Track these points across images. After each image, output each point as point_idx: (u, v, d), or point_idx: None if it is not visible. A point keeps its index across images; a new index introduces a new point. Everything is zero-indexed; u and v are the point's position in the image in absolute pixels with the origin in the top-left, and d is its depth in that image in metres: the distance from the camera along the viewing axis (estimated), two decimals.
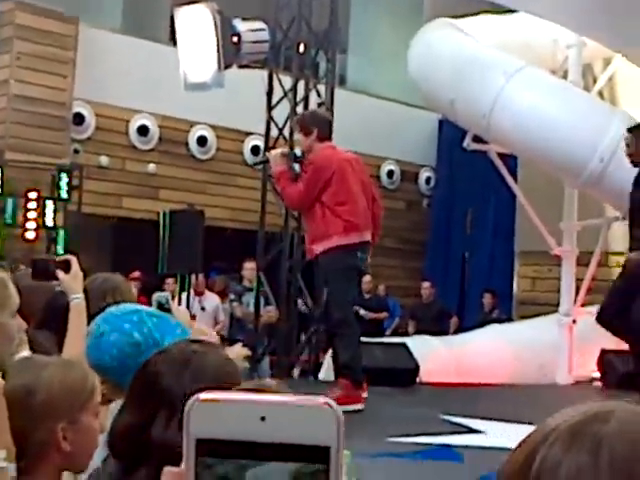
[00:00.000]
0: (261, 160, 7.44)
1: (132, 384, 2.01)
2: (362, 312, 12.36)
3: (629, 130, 7.63)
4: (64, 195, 11.04)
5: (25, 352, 2.81)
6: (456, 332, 12.02)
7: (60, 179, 10.98)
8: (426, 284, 13.11)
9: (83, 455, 2.15)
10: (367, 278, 13.00)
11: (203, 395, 0.75)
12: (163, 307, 4.47)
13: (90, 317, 3.38)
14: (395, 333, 12.62)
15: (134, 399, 1.96)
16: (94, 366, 2.63)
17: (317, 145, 6.85)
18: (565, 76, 10.76)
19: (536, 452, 0.82)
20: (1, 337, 2.45)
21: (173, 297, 9.40)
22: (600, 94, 11.92)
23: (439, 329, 12.07)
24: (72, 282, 3.42)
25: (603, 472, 0.78)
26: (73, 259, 3.52)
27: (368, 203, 6.91)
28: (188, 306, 9.57)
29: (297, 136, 7.14)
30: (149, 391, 1.91)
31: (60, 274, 3.45)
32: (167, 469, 0.79)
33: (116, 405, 2.42)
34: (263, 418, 0.73)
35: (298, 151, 7.50)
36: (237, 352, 3.57)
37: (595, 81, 12.28)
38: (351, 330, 6.75)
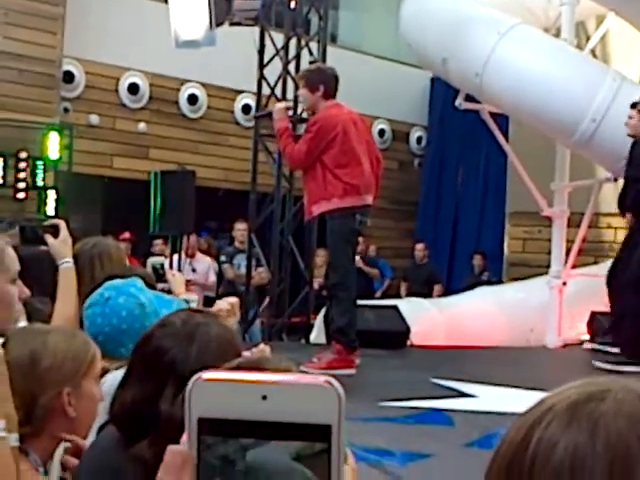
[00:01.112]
0: (263, 113, 7.31)
1: (134, 357, 2.01)
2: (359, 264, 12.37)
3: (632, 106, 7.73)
4: (54, 155, 10.97)
5: (23, 322, 2.80)
6: (446, 294, 12.03)
7: (50, 138, 10.90)
8: (420, 245, 13.10)
9: (86, 421, 2.19)
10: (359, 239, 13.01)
11: (205, 375, 0.76)
12: (157, 272, 4.47)
13: (78, 283, 3.38)
14: (385, 295, 12.64)
15: (138, 372, 1.96)
16: (95, 336, 2.65)
17: (322, 103, 6.74)
18: (558, 34, 10.68)
19: (532, 433, 0.82)
20: (4, 307, 2.44)
21: (164, 257, 9.39)
22: (593, 52, 11.87)
23: (429, 291, 12.12)
24: (61, 247, 3.42)
25: (600, 451, 0.78)
26: (62, 223, 3.51)
27: (372, 164, 6.85)
28: (179, 267, 9.56)
29: (302, 92, 6.92)
30: (154, 365, 1.92)
31: (49, 239, 3.44)
32: (171, 447, 0.80)
33: (112, 375, 2.43)
34: (264, 397, 0.73)
35: (304, 113, 7.42)
36: (228, 303, 3.51)
37: (588, 39, 12.22)
38: (347, 294, 6.72)
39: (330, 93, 6.80)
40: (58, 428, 2.13)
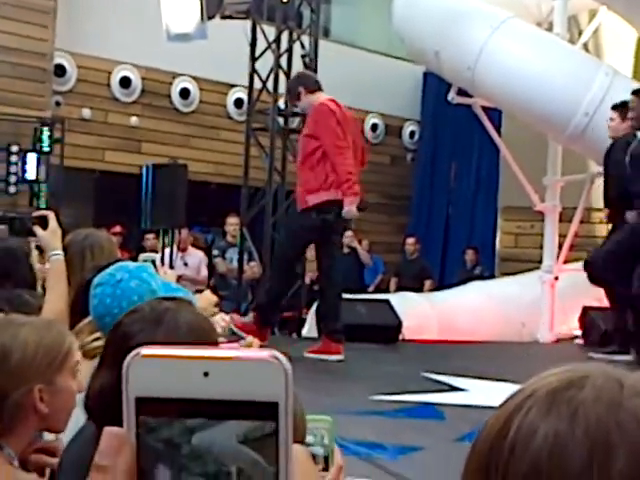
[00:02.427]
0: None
1: (106, 344, 1.99)
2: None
3: (634, 93, 7.71)
4: (46, 148, 10.94)
5: None
6: (438, 289, 12.03)
7: (42, 132, 10.87)
8: (410, 240, 13.09)
9: (60, 416, 2.14)
10: (348, 233, 13.03)
11: (143, 351, 0.72)
12: None
13: (69, 273, 3.36)
14: (377, 290, 12.64)
15: (107, 359, 1.93)
16: (102, 316, 2.62)
17: (311, 97, 6.86)
18: (550, 28, 10.68)
19: (511, 420, 0.81)
20: None
21: (156, 252, 9.36)
22: (585, 47, 11.87)
23: (420, 286, 12.11)
24: (50, 238, 3.39)
25: (579, 437, 0.77)
26: (51, 214, 3.48)
27: (356, 158, 6.93)
28: (171, 262, 9.54)
29: (298, 105, 7.19)
30: (121, 351, 1.88)
31: (38, 230, 3.41)
32: (107, 429, 0.76)
33: None
34: (206, 374, 0.69)
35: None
36: (206, 298, 3.54)
37: (580, 34, 12.22)
38: (277, 283, 7.21)
39: (312, 87, 6.94)
40: (31, 424, 2.09)
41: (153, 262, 4.65)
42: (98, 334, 2.79)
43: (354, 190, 6.76)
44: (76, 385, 2.19)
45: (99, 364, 1.97)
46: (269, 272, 7.44)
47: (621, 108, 7.99)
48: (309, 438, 1.24)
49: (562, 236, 10.47)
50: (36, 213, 3.60)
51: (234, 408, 0.69)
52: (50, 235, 3.39)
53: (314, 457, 1.18)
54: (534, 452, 0.78)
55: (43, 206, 10.51)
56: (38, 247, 3.61)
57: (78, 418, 2.12)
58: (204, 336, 1.88)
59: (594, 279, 7.84)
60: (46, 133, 10.92)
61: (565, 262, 10.37)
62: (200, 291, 8.77)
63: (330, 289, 7.06)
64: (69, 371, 2.16)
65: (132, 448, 0.72)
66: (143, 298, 2.57)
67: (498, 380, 6.18)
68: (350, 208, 6.79)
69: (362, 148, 7.13)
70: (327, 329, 7.05)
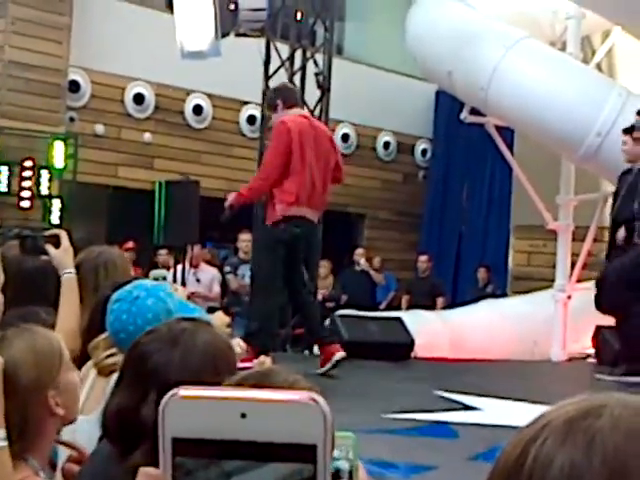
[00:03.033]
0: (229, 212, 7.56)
1: (123, 364, 2.00)
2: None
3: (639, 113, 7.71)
4: (59, 164, 10.98)
5: None
6: (450, 307, 12.01)
7: (55, 148, 10.91)
8: (423, 257, 13.06)
9: (73, 409, 2.20)
10: (359, 251, 13.03)
11: (181, 391, 0.72)
12: None
13: (82, 291, 3.37)
14: (389, 307, 12.62)
15: (125, 379, 1.94)
16: (117, 332, 2.63)
17: (284, 112, 6.93)
18: (564, 48, 10.70)
19: (528, 449, 0.80)
20: None
21: (168, 268, 9.37)
22: (598, 67, 11.87)
23: (432, 304, 12.08)
24: (63, 257, 3.41)
25: (597, 467, 0.76)
26: (62, 233, 3.50)
27: (325, 171, 6.94)
28: (183, 278, 9.54)
29: (273, 117, 7.22)
30: (139, 371, 1.89)
31: (50, 249, 3.43)
32: (143, 470, 0.75)
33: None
34: (244, 415, 0.69)
35: None
36: (219, 318, 3.55)
37: (594, 54, 12.21)
38: (263, 301, 7.26)
39: (290, 102, 7.01)
40: (52, 428, 2.13)
41: (164, 278, 4.65)
42: (113, 350, 2.79)
43: (243, 192, 7.04)
44: (75, 374, 2.27)
45: (116, 383, 1.97)
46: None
47: (632, 131, 7.97)
48: (335, 452, 1.23)
49: (574, 255, 10.44)
50: (48, 232, 3.60)
51: (271, 450, 0.68)
52: (62, 254, 3.41)
53: (339, 472, 1.18)
54: None
55: (56, 221, 10.55)
56: None
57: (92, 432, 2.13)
58: (221, 357, 1.87)
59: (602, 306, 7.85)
60: (60, 149, 10.97)
61: (578, 281, 10.33)
62: (212, 308, 8.78)
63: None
64: (67, 366, 2.20)
65: None
66: (158, 316, 2.58)
67: (511, 399, 6.15)
68: (230, 201, 7.06)
69: (336, 163, 7.13)
70: (318, 337, 7.20)
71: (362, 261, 12.70)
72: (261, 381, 1.39)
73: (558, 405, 0.84)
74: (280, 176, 6.73)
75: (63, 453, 2.32)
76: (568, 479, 0.77)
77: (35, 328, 2.28)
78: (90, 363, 2.94)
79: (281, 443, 0.68)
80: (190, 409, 0.71)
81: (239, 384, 1.37)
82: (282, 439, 0.68)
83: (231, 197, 7.11)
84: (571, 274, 10.39)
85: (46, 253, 3.44)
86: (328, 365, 6.79)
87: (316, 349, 9.29)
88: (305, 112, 7.37)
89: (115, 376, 2.38)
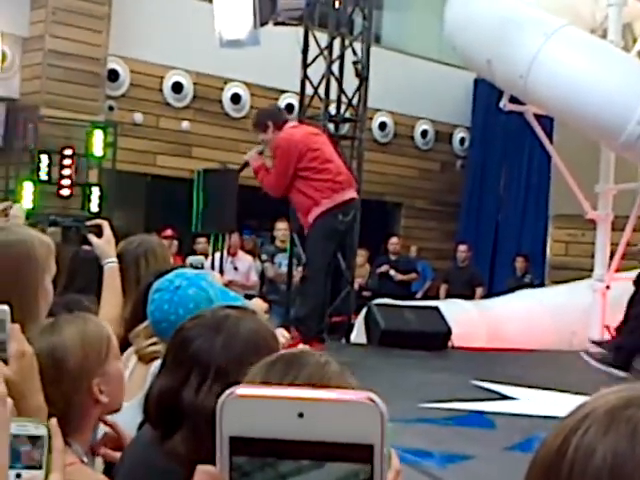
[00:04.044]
0: (243, 165, 7.95)
1: (167, 349, 2.02)
2: (392, 272, 12.34)
3: None
4: (99, 152, 11.06)
5: None
6: (487, 297, 11.94)
7: (95, 136, 11.00)
8: (463, 247, 12.97)
9: (117, 399, 2.21)
10: (394, 240, 12.97)
11: (239, 390, 0.72)
12: None
13: (124, 282, 3.40)
14: (425, 296, 12.57)
15: (168, 364, 1.96)
16: (159, 321, 2.65)
17: (276, 133, 7.34)
18: (604, 35, 10.57)
19: (570, 439, 0.80)
20: (44, 304, 2.45)
21: (206, 256, 9.42)
22: None
23: (470, 294, 12.01)
24: (105, 246, 3.44)
25: (639, 457, 0.76)
26: (104, 223, 3.53)
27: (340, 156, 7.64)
28: (221, 266, 9.59)
29: (261, 137, 7.57)
30: (180, 355, 1.91)
31: (93, 239, 3.46)
32: (201, 468, 0.76)
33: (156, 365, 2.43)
34: (301, 415, 0.69)
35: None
36: (257, 305, 3.56)
37: (635, 41, 12.06)
38: (313, 289, 7.55)
39: (281, 123, 7.43)
40: (94, 415, 2.15)
41: (201, 265, 4.67)
42: (154, 339, 2.81)
43: (262, 177, 7.61)
44: (121, 364, 2.28)
45: (160, 368, 1.99)
46: (302, 284, 7.87)
47: None
48: None
49: (613, 244, 10.36)
50: (91, 222, 3.64)
51: (328, 450, 0.69)
52: (105, 243, 3.44)
53: None
54: (594, 472, 0.77)
55: (95, 209, 10.64)
56: None
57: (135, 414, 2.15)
58: (264, 345, 1.86)
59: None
60: (99, 137, 11.05)
61: (617, 271, 10.25)
62: (249, 296, 8.83)
63: None
64: (114, 355, 2.22)
65: None
66: (200, 306, 2.57)
67: (549, 389, 6.13)
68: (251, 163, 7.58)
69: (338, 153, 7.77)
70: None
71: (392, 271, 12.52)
72: (292, 362, 1.39)
73: (598, 395, 0.83)
74: (291, 186, 7.29)
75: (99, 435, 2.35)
76: (611, 469, 0.77)
77: (87, 315, 2.31)
78: (131, 350, 2.98)
79: (338, 443, 0.69)
80: (247, 408, 0.71)
81: (271, 366, 1.37)
82: (339, 439, 0.69)
83: (254, 161, 7.57)
84: (610, 264, 10.30)
85: (88, 243, 3.47)
86: None
87: (353, 337, 9.34)
88: (294, 122, 7.96)
89: (156, 363, 2.42)
